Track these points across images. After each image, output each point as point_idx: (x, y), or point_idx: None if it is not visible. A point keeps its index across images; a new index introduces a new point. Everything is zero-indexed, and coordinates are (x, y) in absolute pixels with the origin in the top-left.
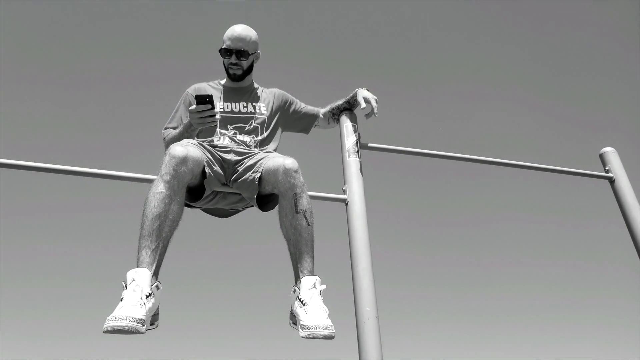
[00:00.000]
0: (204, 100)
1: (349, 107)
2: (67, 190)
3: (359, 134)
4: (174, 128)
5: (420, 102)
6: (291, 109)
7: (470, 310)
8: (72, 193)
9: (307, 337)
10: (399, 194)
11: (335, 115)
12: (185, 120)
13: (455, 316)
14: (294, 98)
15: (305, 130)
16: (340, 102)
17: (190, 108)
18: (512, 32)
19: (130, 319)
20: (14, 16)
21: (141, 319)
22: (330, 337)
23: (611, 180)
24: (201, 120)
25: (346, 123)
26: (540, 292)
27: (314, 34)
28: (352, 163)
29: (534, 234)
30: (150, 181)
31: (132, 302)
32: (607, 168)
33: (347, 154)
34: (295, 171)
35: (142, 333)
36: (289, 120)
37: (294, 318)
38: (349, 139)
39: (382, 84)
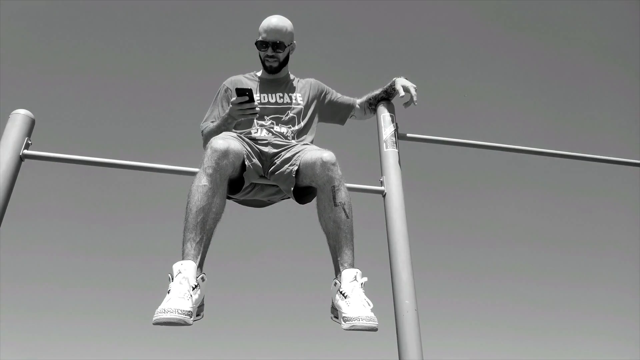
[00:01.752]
0: (244, 93)
1: (387, 96)
2: (94, 183)
3: (396, 124)
4: (212, 122)
5: (457, 92)
6: (327, 99)
7: (513, 305)
8: (105, 186)
9: (350, 329)
10: (438, 185)
11: (372, 105)
12: (223, 114)
13: (496, 310)
14: (329, 88)
15: (341, 121)
16: (377, 91)
17: (231, 100)
18: (539, 17)
19: (179, 311)
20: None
21: (189, 311)
22: (374, 329)
23: None
24: (241, 112)
25: (383, 113)
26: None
27: (349, 21)
28: (390, 154)
29: (584, 225)
30: (191, 174)
31: (180, 295)
32: None
33: (384, 144)
34: (333, 164)
35: (190, 324)
36: (325, 110)
37: (335, 312)
38: (387, 130)
39: (420, 72)
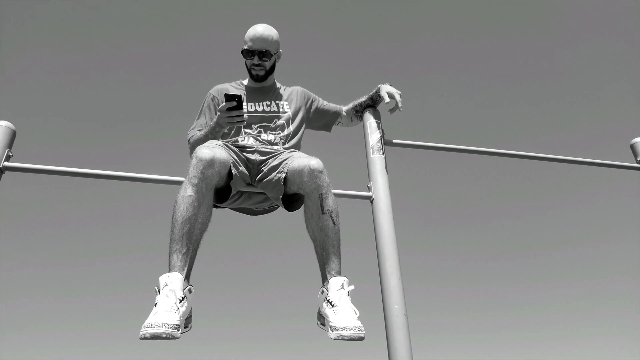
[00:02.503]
0: (233, 99)
1: (372, 103)
2: (84, 194)
3: (382, 130)
4: (199, 131)
5: (443, 97)
6: (313, 107)
7: (501, 309)
8: (90, 197)
9: (337, 339)
10: (425, 190)
11: (358, 112)
12: (210, 122)
13: (485, 315)
14: (315, 96)
15: (327, 127)
16: (363, 98)
17: (219, 107)
18: (538, 20)
19: (166, 325)
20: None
21: (176, 325)
22: (361, 339)
23: None
24: (229, 119)
25: (370, 120)
26: (569, 284)
27: (333, 29)
28: (377, 160)
29: (563, 226)
30: (176, 183)
31: (167, 308)
32: (638, 159)
33: (371, 150)
34: (321, 171)
35: (178, 338)
36: (312, 117)
37: (322, 319)
38: (373, 136)
39: (405, 78)
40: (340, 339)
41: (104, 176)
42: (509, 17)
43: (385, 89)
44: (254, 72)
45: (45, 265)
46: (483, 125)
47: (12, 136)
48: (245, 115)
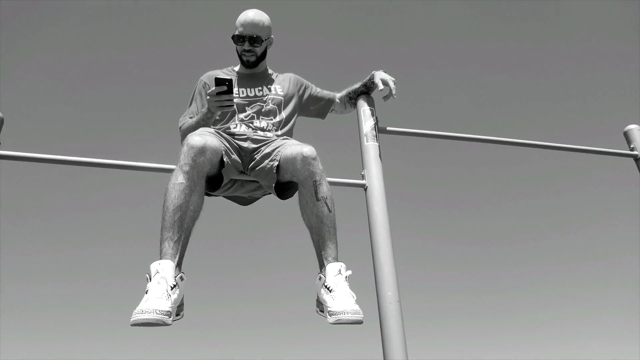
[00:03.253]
0: (224, 83)
1: (366, 90)
2: (75, 182)
3: (376, 117)
4: (191, 118)
5: (437, 84)
6: (307, 93)
7: (496, 295)
8: (80, 186)
9: (335, 323)
10: (419, 177)
11: (352, 99)
12: (202, 109)
13: (480, 300)
14: (309, 83)
15: (321, 115)
16: (357, 85)
17: (209, 91)
18: (532, 7)
19: (157, 311)
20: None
21: (167, 311)
22: (359, 322)
23: (636, 158)
24: (219, 103)
25: (363, 107)
26: (561, 272)
27: (327, 13)
28: (371, 147)
29: (556, 214)
30: (167, 171)
31: (158, 295)
32: (632, 146)
33: (365, 138)
34: (314, 158)
35: (169, 325)
36: (305, 104)
37: (320, 305)
38: (367, 123)
39: (400, 64)
40: (339, 322)
41: (95, 164)
42: (504, 7)
43: (379, 75)
44: (244, 58)
45: (36, 252)
46: (477, 113)
47: (0, 124)
48: (237, 100)
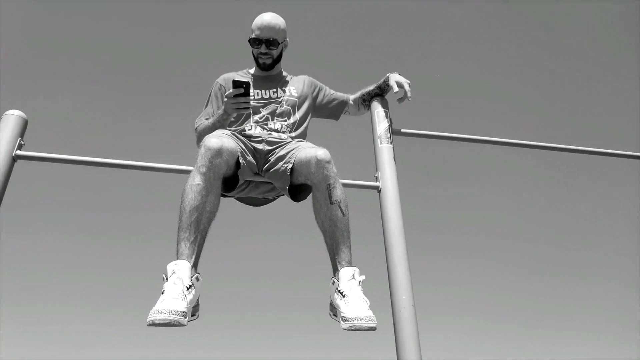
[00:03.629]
0: (241, 85)
1: (381, 92)
2: (92, 182)
3: (390, 119)
4: (206, 119)
5: (449, 87)
6: (320, 95)
7: (512, 299)
8: (100, 185)
9: (349, 330)
10: (434, 180)
11: (365, 101)
12: (218, 110)
13: (495, 305)
14: (322, 84)
15: (335, 116)
16: (371, 87)
17: (226, 94)
18: (541, 9)
19: (173, 312)
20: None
21: (183, 312)
22: (372, 329)
23: None
24: (236, 105)
25: (377, 109)
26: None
27: (341, 17)
28: (385, 149)
29: (575, 215)
30: (181, 172)
31: (174, 295)
32: None
33: (378, 140)
34: (328, 162)
35: (185, 325)
36: (319, 106)
37: (334, 310)
38: (381, 125)
39: (414, 67)
40: (352, 329)
41: (112, 165)
42: (514, 7)
43: (394, 78)
44: (260, 61)
45: (56, 250)
46: (491, 115)
47: (24, 125)
48: (252, 102)
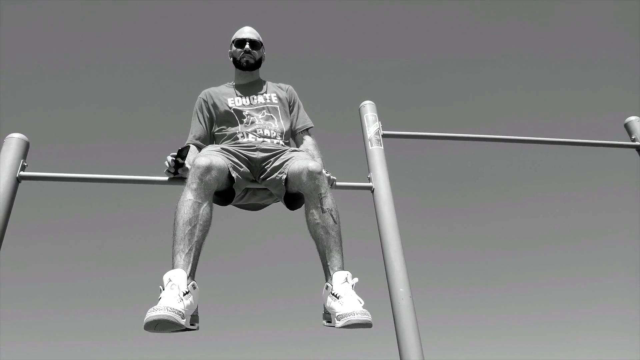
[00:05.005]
0: (180, 154)
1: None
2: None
3: (379, 123)
4: (196, 136)
5: (433, 87)
6: (294, 110)
7: (505, 292)
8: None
9: (344, 326)
10: (424, 178)
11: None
12: (204, 124)
13: (490, 296)
14: (300, 102)
15: (293, 136)
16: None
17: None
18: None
19: (169, 308)
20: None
21: (180, 311)
22: (368, 324)
23: (638, 149)
24: (166, 168)
25: (367, 113)
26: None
27: (318, 26)
28: (375, 151)
29: (561, 209)
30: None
31: (170, 297)
32: (633, 137)
33: (369, 143)
34: (319, 173)
35: (182, 325)
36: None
37: (328, 316)
38: (371, 129)
39: (402, 71)
40: (348, 324)
41: (114, 180)
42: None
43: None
44: (243, 61)
45: (63, 270)
46: (477, 112)
47: (26, 147)
48: (235, 108)
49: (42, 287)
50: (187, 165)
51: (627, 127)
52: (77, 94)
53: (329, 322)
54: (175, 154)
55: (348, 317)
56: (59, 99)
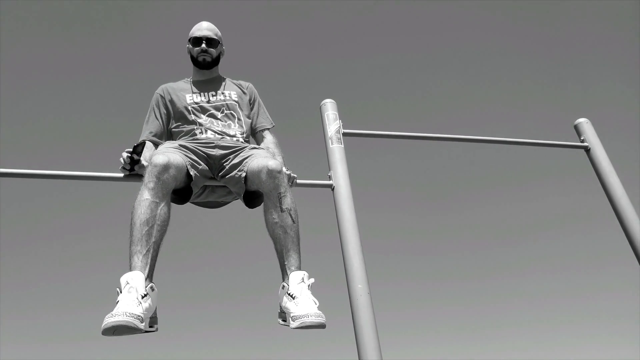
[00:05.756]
0: (135, 149)
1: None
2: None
3: (340, 121)
4: (153, 132)
5: (393, 85)
6: (255, 107)
7: (460, 292)
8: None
9: (299, 327)
10: (382, 176)
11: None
12: (161, 120)
13: (447, 296)
14: (260, 100)
15: (253, 134)
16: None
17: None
18: (479, 3)
19: (127, 314)
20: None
21: (139, 315)
22: (322, 326)
23: (587, 149)
24: (121, 164)
25: (327, 112)
26: (525, 271)
27: (280, 24)
28: (336, 150)
29: (516, 208)
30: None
31: (128, 301)
32: (582, 138)
33: (330, 141)
34: (279, 172)
35: (141, 330)
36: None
37: (283, 315)
38: (331, 127)
39: (362, 71)
40: (302, 325)
41: (67, 177)
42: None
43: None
44: (200, 58)
45: (41, 266)
46: (434, 112)
47: None
48: (193, 105)
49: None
50: (143, 162)
51: (577, 129)
52: (28, 86)
53: (284, 321)
54: (131, 150)
55: (302, 318)
56: (32, 92)
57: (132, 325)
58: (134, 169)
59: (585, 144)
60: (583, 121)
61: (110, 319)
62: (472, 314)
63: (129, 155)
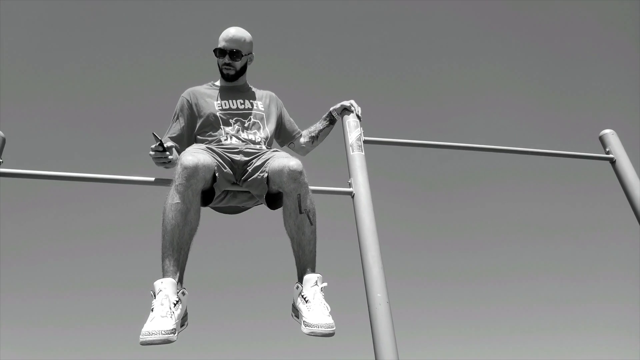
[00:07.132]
0: (156, 140)
1: (330, 122)
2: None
3: (361, 129)
4: (171, 136)
5: (418, 96)
6: (284, 117)
7: (478, 296)
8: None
9: (309, 335)
10: (403, 184)
11: (314, 138)
12: (184, 124)
13: (464, 301)
14: (284, 108)
15: (282, 143)
16: (318, 124)
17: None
18: (505, 16)
19: (162, 332)
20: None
21: (172, 329)
22: (331, 335)
23: (612, 161)
24: (156, 161)
25: (349, 119)
26: (546, 276)
27: (308, 30)
28: (357, 157)
29: (539, 218)
30: (164, 183)
31: (162, 314)
32: (607, 149)
33: (350, 148)
34: (300, 172)
35: (174, 341)
36: (280, 126)
37: (296, 311)
38: (352, 134)
39: (384, 80)
40: (312, 334)
41: (91, 179)
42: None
43: (343, 104)
44: (224, 71)
45: (45, 264)
46: (458, 121)
47: (2, 143)
48: (219, 112)
49: (29, 279)
50: (170, 146)
51: (602, 140)
52: (57, 90)
53: (297, 316)
54: (156, 144)
55: (313, 328)
56: (36, 94)
57: (167, 341)
58: (169, 159)
59: (610, 155)
60: (609, 132)
61: (147, 337)
62: (495, 315)
63: (158, 145)
